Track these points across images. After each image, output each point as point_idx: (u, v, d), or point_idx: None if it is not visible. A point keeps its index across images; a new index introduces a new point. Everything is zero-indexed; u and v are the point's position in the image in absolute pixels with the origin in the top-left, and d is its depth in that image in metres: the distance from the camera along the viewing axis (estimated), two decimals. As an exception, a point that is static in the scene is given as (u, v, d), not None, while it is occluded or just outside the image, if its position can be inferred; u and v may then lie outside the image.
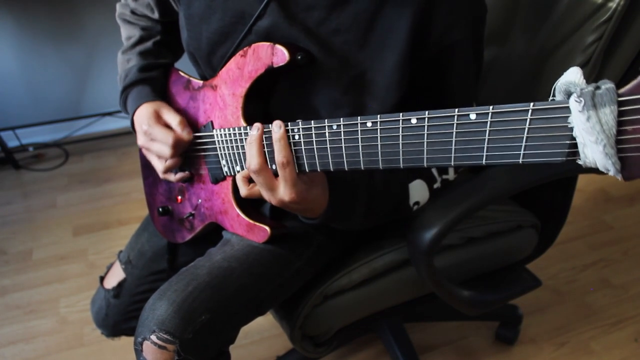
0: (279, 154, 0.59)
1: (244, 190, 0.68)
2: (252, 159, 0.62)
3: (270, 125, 0.61)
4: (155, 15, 0.86)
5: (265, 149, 0.63)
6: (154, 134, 0.76)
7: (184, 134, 0.75)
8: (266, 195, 0.63)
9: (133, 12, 0.89)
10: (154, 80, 0.84)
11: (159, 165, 0.80)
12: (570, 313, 1.38)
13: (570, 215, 0.95)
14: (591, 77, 0.78)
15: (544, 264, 1.47)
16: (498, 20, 0.91)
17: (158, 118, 0.78)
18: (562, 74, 0.84)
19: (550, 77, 0.83)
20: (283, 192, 0.61)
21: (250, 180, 0.68)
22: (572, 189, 0.92)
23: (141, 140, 0.79)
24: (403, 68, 0.64)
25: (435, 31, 0.63)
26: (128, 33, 0.89)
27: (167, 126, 0.77)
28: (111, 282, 0.95)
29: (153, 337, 0.66)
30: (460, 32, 0.64)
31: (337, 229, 0.83)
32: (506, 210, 0.96)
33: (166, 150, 0.75)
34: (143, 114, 0.78)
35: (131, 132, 0.84)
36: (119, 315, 0.93)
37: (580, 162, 0.39)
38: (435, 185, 0.75)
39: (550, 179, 0.84)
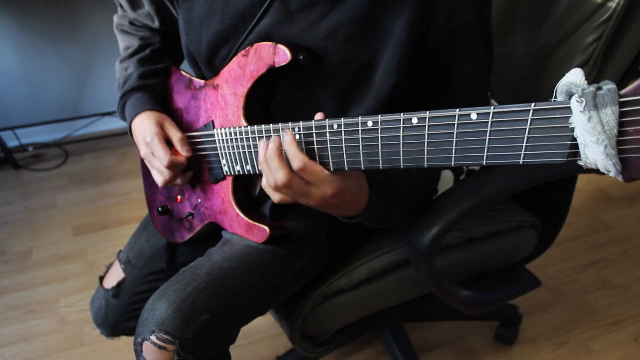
0: (294, 160, 0.56)
1: (276, 197, 0.61)
2: (278, 173, 0.57)
3: (271, 126, 0.60)
4: (156, 25, 0.85)
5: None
6: (155, 150, 0.76)
7: (183, 152, 0.76)
8: (302, 202, 0.60)
9: (132, 24, 0.88)
10: (154, 87, 0.84)
11: (159, 179, 0.79)
12: (570, 313, 1.38)
13: (570, 215, 0.95)
14: (591, 77, 0.78)
15: (544, 264, 1.47)
16: (498, 20, 0.91)
17: (161, 131, 0.78)
18: (563, 74, 0.84)
19: (551, 77, 0.83)
20: (317, 192, 0.58)
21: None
22: (572, 189, 0.92)
23: (143, 151, 0.79)
24: (401, 54, 0.63)
25: (439, 16, 0.62)
26: (127, 44, 0.88)
27: (169, 141, 0.78)
28: (111, 282, 0.95)
29: (153, 338, 0.66)
30: (465, 16, 0.63)
31: (338, 230, 0.83)
32: (506, 210, 0.96)
33: (164, 172, 0.76)
34: (146, 125, 0.78)
35: (131, 132, 0.84)
36: (119, 315, 0.93)
37: (581, 163, 0.39)
38: (462, 177, 0.75)
39: (550, 179, 0.84)
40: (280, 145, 0.58)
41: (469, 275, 0.96)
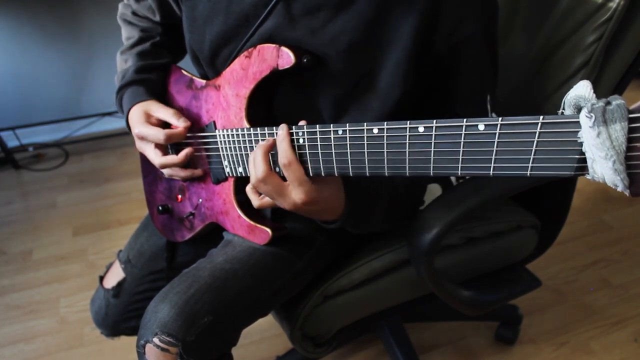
0: (282, 155, 0.58)
1: (255, 202, 0.68)
2: (259, 166, 0.61)
3: (274, 128, 0.61)
4: (157, 18, 0.86)
5: (270, 158, 0.62)
6: (145, 134, 0.76)
7: (180, 124, 0.75)
8: (278, 202, 0.62)
9: (134, 14, 0.89)
10: (150, 81, 0.84)
11: (156, 161, 0.79)
12: (570, 313, 1.38)
13: (570, 215, 0.95)
14: (591, 77, 0.78)
15: (544, 264, 1.47)
16: (498, 20, 0.91)
17: (148, 117, 0.78)
18: (563, 73, 0.84)
19: (551, 77, 0.83)
20: (293, 194, 0.59)
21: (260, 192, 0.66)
22: (572, 189, 0.92)
23: (137, 143, 0.80)
24: (407, 64, 0.63)
25: (443, 27, 0.62)
26: (128, 34, 0.89)
27: (159, 123, 0.77)
28: (111, 281, 0.95)
29: (155, 340, 0.66)
30: (470, 27, 0.63)
31: (338, 231, 0.83)
32: (506, 210, 0.96)
33: (159, 156, 0.76)
34: (135, 116, 0.79)
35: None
36: (119, 315, 0.93)
37: (588, 177, 0.39)
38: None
39: (550, 180, 0.84)
40: (272, 144, 0.61)
41: (469, 275, 0.96)
